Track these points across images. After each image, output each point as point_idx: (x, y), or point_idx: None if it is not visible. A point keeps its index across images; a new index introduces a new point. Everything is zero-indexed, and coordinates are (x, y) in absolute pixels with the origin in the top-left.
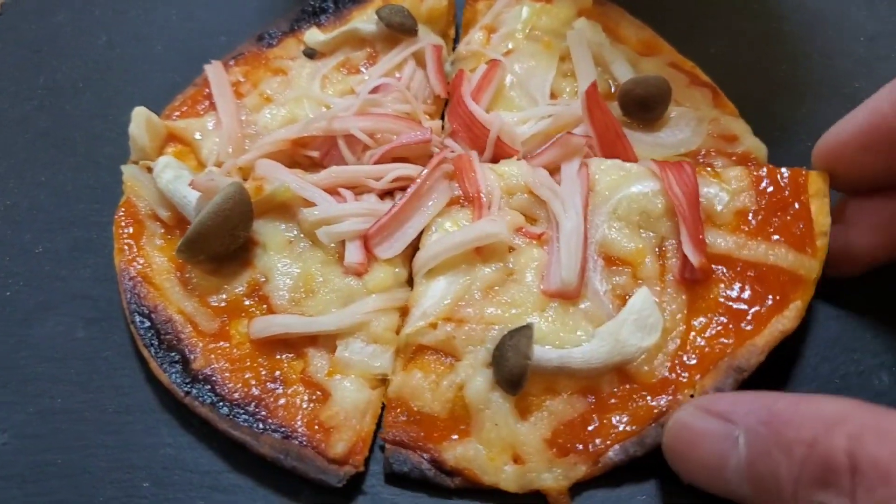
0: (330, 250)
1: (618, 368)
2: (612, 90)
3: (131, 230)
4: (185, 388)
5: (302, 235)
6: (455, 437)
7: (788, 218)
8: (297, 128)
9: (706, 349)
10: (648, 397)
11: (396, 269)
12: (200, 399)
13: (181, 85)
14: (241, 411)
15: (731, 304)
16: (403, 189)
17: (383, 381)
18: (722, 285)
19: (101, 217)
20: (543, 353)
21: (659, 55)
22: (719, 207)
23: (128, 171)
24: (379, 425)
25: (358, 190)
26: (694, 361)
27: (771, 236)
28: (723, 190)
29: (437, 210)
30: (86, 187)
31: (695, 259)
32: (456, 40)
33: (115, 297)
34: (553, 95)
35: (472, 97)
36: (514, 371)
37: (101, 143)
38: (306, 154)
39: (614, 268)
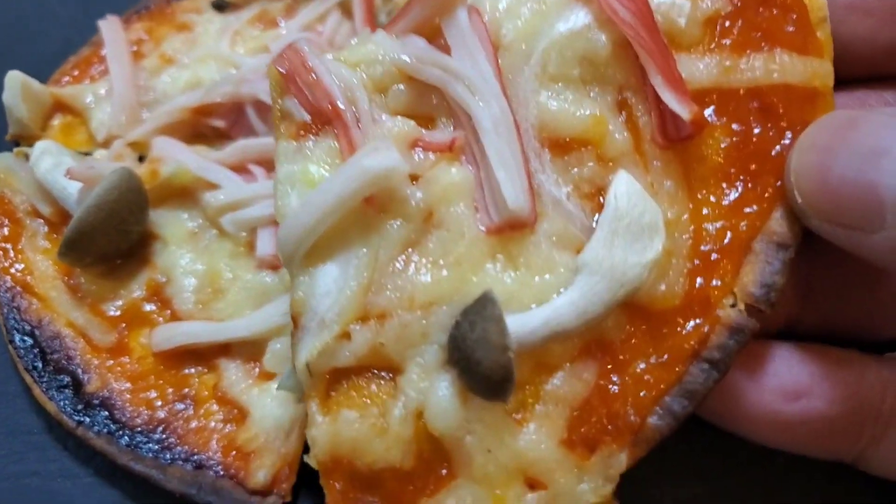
0: (240, 241)
1: (624, 303)
2: None
3: (6, 231)
4: (77, 418)
5: (208, 225)
6: (435, 486)
7: (775, 11)
8: (198, 94)
9: (728, 231)
10: (677, 327)
11: None
12: (95, 429)
13: (77, 44)
14: (145, 439)
15: (739, 156)
16: None
17: None
18: (717, 133)
19: None
20: (522, 324)
21: None
22: (682, 21)
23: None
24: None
25: (272, 165)
26: (718, 255)
27: (761, 45)
28: None
29: None
30: None
31: (683, 109)
32: None
33: None
34: None
35: None
36: (493, 374)
37: None
38: (211, 124)
39: (568, 156)
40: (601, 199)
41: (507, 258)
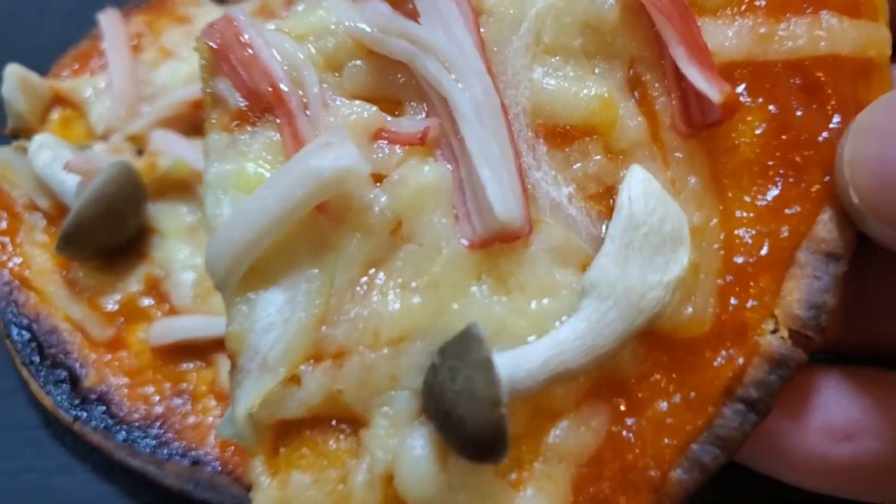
0: None
1: (642, 332)
2: None
3: (5, 225)
4: (74, 412)
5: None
6: None
7: None
8: (197, 87)
9: (767, 239)
10: (706, 359)
11: None
12: (92, 424)
13: (77, 37)
14: (142, 434)
15: (778, 144)
16: None
17: None
18: (751, 117)
19: None
20: (517, 365)
21: None
22: None
23: None
24: None
25: None
26: (755, 269)
27: (803, 6)
28: None
29: None
30: None
31: (712, 88)
32: None
33: None
34: None
35: None
36: (481, 435)
37: None
38: None
39: (569, 148)
40: (611, 201)
41: (496, 279)
